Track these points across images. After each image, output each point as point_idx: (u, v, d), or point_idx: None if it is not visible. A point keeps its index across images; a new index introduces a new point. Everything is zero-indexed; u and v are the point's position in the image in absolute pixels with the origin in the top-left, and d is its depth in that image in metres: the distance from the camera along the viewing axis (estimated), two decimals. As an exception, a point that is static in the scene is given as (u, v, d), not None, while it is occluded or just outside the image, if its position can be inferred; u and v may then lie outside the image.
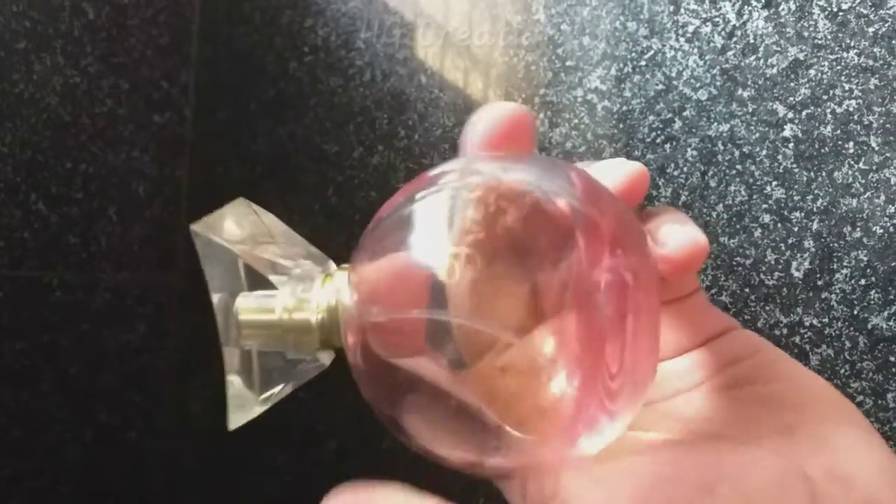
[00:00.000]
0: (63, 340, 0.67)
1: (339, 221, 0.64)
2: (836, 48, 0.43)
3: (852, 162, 0.42)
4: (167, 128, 0.73)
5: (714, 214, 0.46)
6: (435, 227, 0.20)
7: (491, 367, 0.19)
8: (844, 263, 0.42)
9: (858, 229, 0.42)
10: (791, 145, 0.44)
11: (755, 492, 0.22)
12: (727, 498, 0.22)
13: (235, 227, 0.23)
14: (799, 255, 0.43)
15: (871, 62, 0.42)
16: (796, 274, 0.43)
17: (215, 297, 0.24)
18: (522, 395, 0.20)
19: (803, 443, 0.23)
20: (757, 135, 0.45)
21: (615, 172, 0.23)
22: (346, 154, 0.63)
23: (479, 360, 0.19)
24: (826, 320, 0.43)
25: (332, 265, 0.23)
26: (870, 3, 0.42)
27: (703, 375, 0.25)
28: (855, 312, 0.42)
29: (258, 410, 0.23)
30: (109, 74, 0.68)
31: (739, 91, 0.46)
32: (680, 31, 0.48)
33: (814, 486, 0.22)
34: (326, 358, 0.22)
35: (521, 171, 0.21)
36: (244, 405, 0.23)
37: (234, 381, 0.23)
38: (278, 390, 0.23)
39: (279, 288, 0.22)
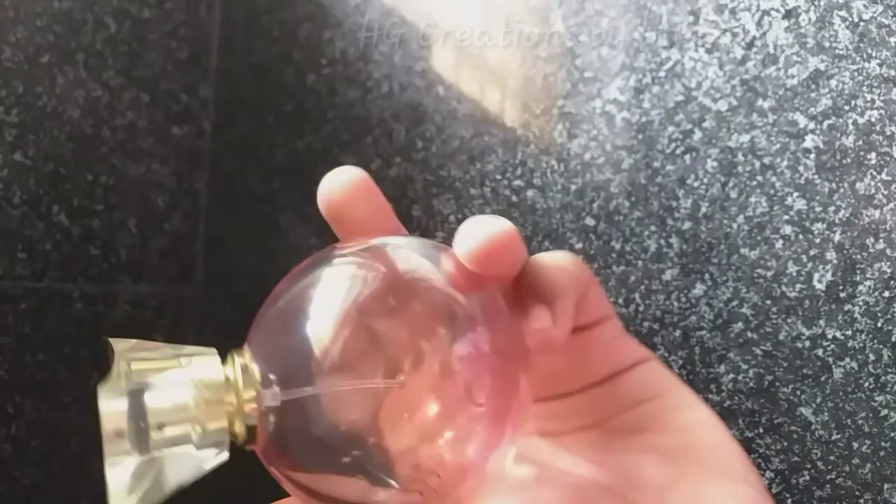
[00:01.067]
0: (83, 352, 0.67)
1: (356, 233, 0.64)
2: (858, 58, 0.43)
3: (874, 173, 0.42)
4: (186, 140, 0.74)
5: (735, 226, 0.46)
6: (332, 310, 0.22)
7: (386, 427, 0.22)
8: (867, 275, 0.42)
9: (881, 240, 0.41)
10: (812, 156, 0.44)
11: None
12: None
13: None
14: (821, 266, 0.43)
15: (892, 72, 0.42)
16: (818, 286, 0.43)
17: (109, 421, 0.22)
18: (414, 448, 0.22)
19: (680, 500, 0.24)
20: (778, 146, 0.45)
21: (470, 240, 0.22)
22: (364, 166, 0.63)
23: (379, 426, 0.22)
24: (849, 333, 0.42)
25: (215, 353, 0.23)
26: (891, 13, 0.42)
27: (604, 415, 0.26)
28: (879, 325, 0.41)
29: None
30: (130, 87, 0.69)
31: (760, 102, 0.45)
32: (699, 42, 0.48)
33: None
34: (225, 448, 0.22)
35: (404, 256, 0.24)
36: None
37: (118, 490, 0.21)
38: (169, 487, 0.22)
39: (179, 385, 0.21)
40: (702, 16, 0.48)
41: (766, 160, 0.45)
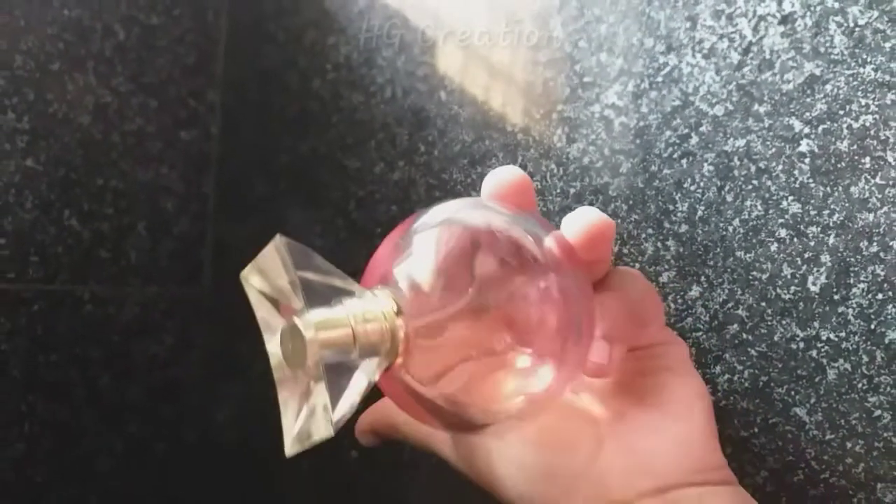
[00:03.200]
0: (94, 353, 0.68)
1: (361, 235, 0.65)
2: (853, 63, 0.43)
3: (869, 177, 0.42)
4: (194, 145, 0.75)
5: (730, 229, 0.46)
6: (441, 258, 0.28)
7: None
8: (861, 278, 0.42)
9: (875, 244, 0.42)
10: (807, 160, 0.44)
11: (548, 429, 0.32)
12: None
13: (280, 265, 0.26)
14: (815, 269, 0.44)
15: (887, 77, 0.42)
16: (813, 288, 0.44)
17: (271, 337, 0.26)
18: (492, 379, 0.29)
19: (621, 422, 0.32)
20: (773, 150, 0.45)
21: (574, 227, 0.30)
22: (368, 169, 0.65)
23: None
24: (843, 334, 0.43)
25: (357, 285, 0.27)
26: (886, 19, 0.43)
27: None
28: (872, 327, 0.42)
29: (317, 439, 0.25)
30: (139, 93, 0.70)
31: (755, 107, 0.46)
32: (696, 48, 0.48)
33: (602, 448, 0.32)
34: (378, 369, 0.26)
35: (501, 216, 0.30)
36: (302, 433, 0.25)
37: (289, 411, 0.26)
38: (337, 412, 0.25)
39: (335, 305, 0.25)
40: (699, 21, 0.48)
41: (762, 164, 0.46)
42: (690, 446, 0.32)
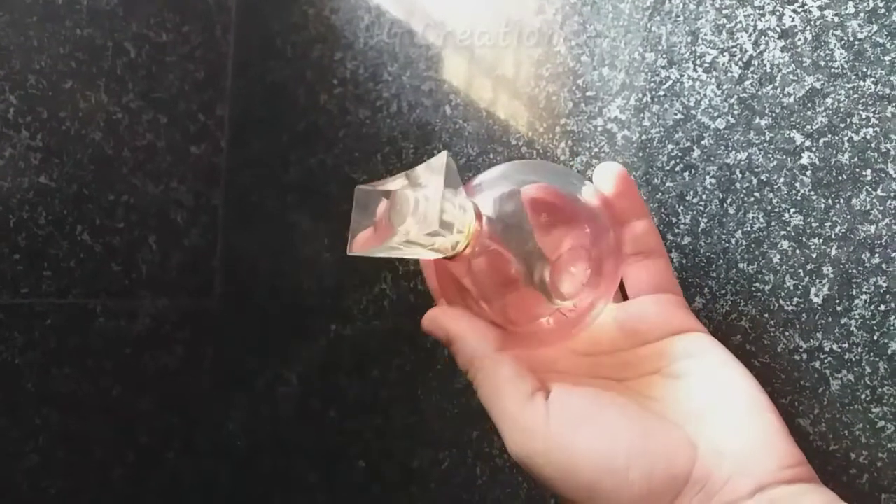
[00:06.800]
0: (106, 365, 0.69)
1: (368, 248, 0.65)
2: (853, 77, 0.44)
3: (870, 189, 0.43)
4: (204, 159, 0.76)
5: (733, 241, 0.47)
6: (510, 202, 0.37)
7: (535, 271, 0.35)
8: (863, 289, 0.43)
9: (877, 255, 0.42)
10: (809, 173, 0.45)
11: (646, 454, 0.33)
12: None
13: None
14: (818, 280, 0.44)
15: (887, 90, 0.43)
16: (815, 299, 0.44)
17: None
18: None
19: (702, 424, 0.34)
20: (774, 162, 0.46)
21: (604, 179, 0.39)
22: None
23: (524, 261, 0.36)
24: (846, 345, 0.43)
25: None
26: (886, 33, 0.43)
27: (663, 363, 0.37)
28: (875, 338, 0.42)
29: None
30: (149, 109, 0.71)
31: (757, 120, 0.46)
32: (698, 62, 0.49)
33: (697, 452, 0.33)
34: (449, 247, 0.34)
35: (549, 177, 0.39)
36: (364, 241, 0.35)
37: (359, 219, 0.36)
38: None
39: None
40: (700, 36, 0.49)
41: (764, 177, 0.46)
42: (774, 443, 0.32)
